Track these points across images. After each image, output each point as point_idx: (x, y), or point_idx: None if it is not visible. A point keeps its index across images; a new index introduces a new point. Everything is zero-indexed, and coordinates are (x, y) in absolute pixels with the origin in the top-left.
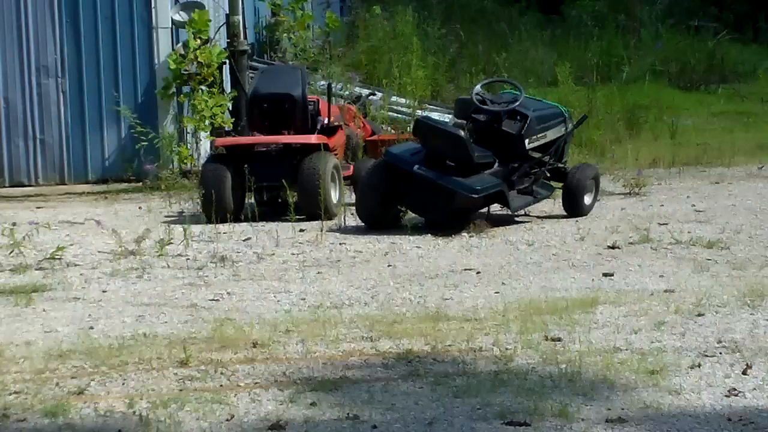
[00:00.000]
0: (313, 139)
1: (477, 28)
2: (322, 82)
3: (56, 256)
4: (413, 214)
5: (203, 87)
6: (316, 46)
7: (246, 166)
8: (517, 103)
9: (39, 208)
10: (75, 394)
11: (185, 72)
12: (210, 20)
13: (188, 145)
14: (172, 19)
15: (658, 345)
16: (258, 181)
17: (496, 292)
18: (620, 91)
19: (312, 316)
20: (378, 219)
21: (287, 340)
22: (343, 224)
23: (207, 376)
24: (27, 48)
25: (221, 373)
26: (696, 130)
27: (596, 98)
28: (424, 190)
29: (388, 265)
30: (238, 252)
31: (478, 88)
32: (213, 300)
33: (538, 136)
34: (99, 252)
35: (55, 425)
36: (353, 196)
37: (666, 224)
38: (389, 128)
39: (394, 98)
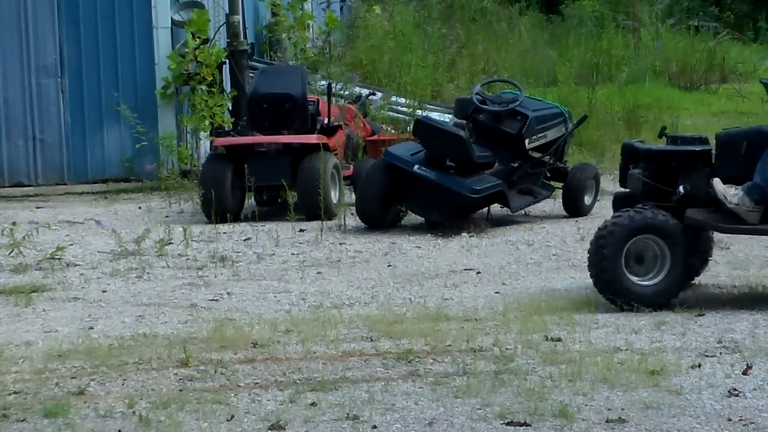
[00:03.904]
0: (313, 139)
1: (477, 28)
2: (322, 82)
3: (56, 256)
4: (413, 214)
5: (203, 87)
6: (316, 46)
7: (246, 166)
8: (517, 103)
9: (39, 208)
10: (75, 394)
11: (185, 72)
12: (210, 20)
13: (188, 145)
14: (172, 19)
15: (658, 345)
16: (258, 181)
17: (496, 292)
18: (620, 91)
19: (312, 316)
20: (378, 219)
21: (287, 340)
22: (343, 224)
23: (207, 376)
24: (27, 48)
25: (221, 373)
26: (696, 130)
27: (596, 98)
28: (424, 190)
29: (388, 265)
30: (238, 252)
31: (478, 88)
32: (213, 300)
33: (538, 136)
34: (99, 252)
35: (55, 425)
36: (353, 196)
37: None
38: (389, 128)
39: (394, 98)
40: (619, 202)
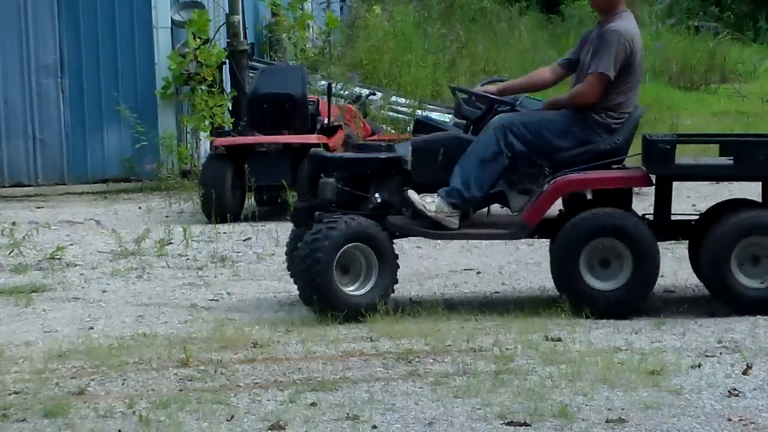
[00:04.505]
0: (313, 139)
1: (477, 28)
2: (322, 82)
3: (56, 256)
4: None
5: (203, 87)
6: (316, 46)
7: (246, 166)
8: (517, 103)
9: (39, 208)
10: (75, 394)
11: (185, 72)
12: (210, 20)
13: (188, 145)
14: (172, 19)
15: (658, 345)
16: (258, 181)
17: (496, 292)
18: None
19: (312, 316)
20: None
21: (287, 340)
22: None
23: (207, 376)
24: (27, 48)
25: (221, 373)
26: (696, 130)
27: None
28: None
29: None
30: (238, 252)
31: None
32: (213, 300)
33: None
34: (99, 252)
35: (55, 425)
36: None
37: None
38: (389, 128)
39: (394, 98)
40: (300, 213)
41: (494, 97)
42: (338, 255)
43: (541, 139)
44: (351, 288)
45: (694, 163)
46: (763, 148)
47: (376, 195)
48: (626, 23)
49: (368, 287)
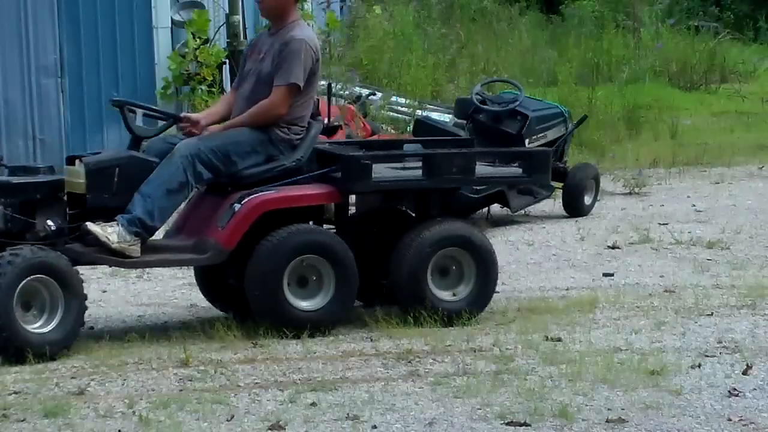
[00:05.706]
0: None
1: (477, 28)
2: (322, 82)
3: None
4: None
5: (203, 87)
6: None
7: None
8: (517, 103)
9: None
10: (75, 394)
11: (185, 72)
12: (210, 20)
13: None
14: (172, 19)
15: (658, 345)
16: None
17: (496, 292)
18: (620, 91)
19: None
20: None
21: (287, 340)
22: None
23: (207, 376)
24: (27, 48)
25: (221, 373)
26: (696, 130)
27: (596, 98)
28: None
29: None
30: None
31: (478, 88)
32: None
33: (538, 136)
34: None
35: (55, 425)
36: (353, 196)
37: (666, 224)
38: (389, 128)
39: (394, 98)
40: None
41: (161, 110)
42: (19, 288)
43: (228, 163)
44: (34, 326)
45: (390, 178)
46: (455, 160)
47: (49, 222)
48: (308, 32)
49: (53, 324)
